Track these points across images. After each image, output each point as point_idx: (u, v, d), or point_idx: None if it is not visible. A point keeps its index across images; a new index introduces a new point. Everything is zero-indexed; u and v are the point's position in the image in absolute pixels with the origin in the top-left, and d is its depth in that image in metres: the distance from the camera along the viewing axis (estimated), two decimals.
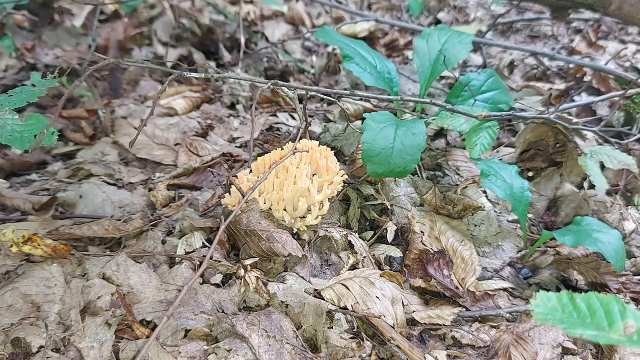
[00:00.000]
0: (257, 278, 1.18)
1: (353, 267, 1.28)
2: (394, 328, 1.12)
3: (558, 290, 0.65)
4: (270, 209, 1.27)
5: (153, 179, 1.70)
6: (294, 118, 2.21)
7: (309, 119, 2.04)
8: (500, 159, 1.71)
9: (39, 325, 1.05)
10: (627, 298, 1.31)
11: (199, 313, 1.11)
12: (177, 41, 2.81)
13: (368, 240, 1.40)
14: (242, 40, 2.72)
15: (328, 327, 1.11)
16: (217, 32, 2.83)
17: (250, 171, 1.35)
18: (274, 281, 1.21)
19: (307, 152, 1.31)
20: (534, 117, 1.52)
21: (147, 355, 1.00)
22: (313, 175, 1.31)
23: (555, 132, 1.72)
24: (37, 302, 1.10)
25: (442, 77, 2.61)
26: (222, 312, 1.13)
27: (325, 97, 2.07)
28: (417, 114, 1.70)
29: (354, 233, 1.36)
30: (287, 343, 1.04)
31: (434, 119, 1.52)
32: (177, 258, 1.28)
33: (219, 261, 1.26)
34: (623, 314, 0.62)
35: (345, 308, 1.15)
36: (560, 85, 2.51)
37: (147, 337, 1.07)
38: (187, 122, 2.11)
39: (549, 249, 1.47)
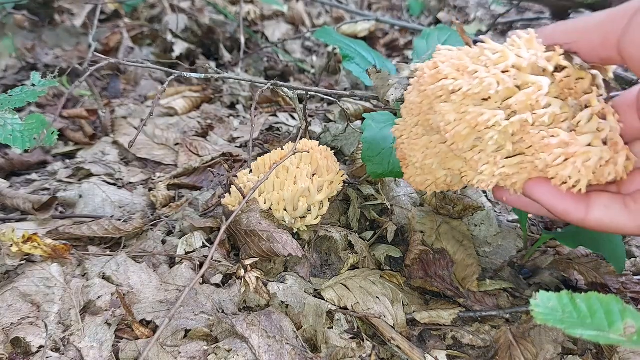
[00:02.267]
0: (257, 278, 1.18)
1: (353, 267, 1.28)
2: (394, 328, 1.12)
3: (558, 290, 0.65)
4: (270, 209, 1.27)
5: (153, 179, 1.70)
6: (294, 118, 2.21)
7: (309, 119, 2.04)
8: None
9: (39, 325, 1.05)
10: (627, 298, 1.31)
11: (199, 313, 1.11)
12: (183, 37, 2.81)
13: (368, 240, 1.40)
14: (242, 40, 2.72)
15: (328, 328, 1.11)
16: (217, 32, 2.83)
17: (250, 171, 1.35)
18: (274, 281, 1.21)
19: (308, 152, 1.31)
20: None
21: (147, 356, 1.00)
22: (313, 175, 1.31)
23: None
24: (37, 302, 1.10)
25: None
26: (222, 312, 1.13)
27: (325, 97, 2.08)
28: None
29: (354, 233, 1.36)
30: (287, 343, 1.04)
31: None
32: (177, 258, 1.28)
33: (219, 261, 1.26)
34: (623, 314, 0.62)
35: (345, 308, 1.15)
36: None
37: (147, 337, 1.07)
38: (187, 122, 2.11)
39: (549, 249, 1.47)
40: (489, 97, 0.69)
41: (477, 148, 0.71)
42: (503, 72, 0.68)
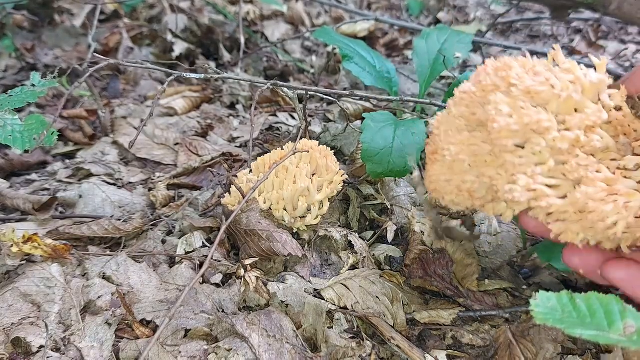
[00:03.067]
0: (257, 278, 1.18)
1: (353, 267, 1.29)
2: (393, 328, 1.12)
3: (558, 290, 0.65)
4: (270, 208, 1.27)
5: (153, 179, 1.71)
6: (294, 118, 2.21)
7: (309, 119, 2.04)
8: None
9: (39, 325, 1.05)
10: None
11: (199, 313, 1.11)
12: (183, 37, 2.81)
13: (368, 240, 1.40)
14: (242, 40, 2.72)
15: (328, 327, 1.11)
16: (216, 32, 2.83)
17: (250, 171, 1.35)
18: (274, 281, 1.21)
19: (307, 152, 1.31)
20: None
21: (148, 356, 1.00)
22: (313, 175, 1.31)
23: None
24: (37, 302, 1.10)
25: (442, 77, 2.61)
26: (222, 311, 1.14)
27: (325, 97, 2.08)
28: (417, 114, 1.70)
29: (354, 233, 1.36)
30: (287, 343, 1.04)
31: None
32: (177, 258, 1.28)
33: (219, 261, 1.26)
34: (623, 314, 0.62)
35: (345, 308, 1.15)
36: None
37: (148, 336, 1.07)
38: (187, 122, 2.11)
39: None
40: (547, 104, 0.65)
41: (519, 152, 0.66)
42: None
